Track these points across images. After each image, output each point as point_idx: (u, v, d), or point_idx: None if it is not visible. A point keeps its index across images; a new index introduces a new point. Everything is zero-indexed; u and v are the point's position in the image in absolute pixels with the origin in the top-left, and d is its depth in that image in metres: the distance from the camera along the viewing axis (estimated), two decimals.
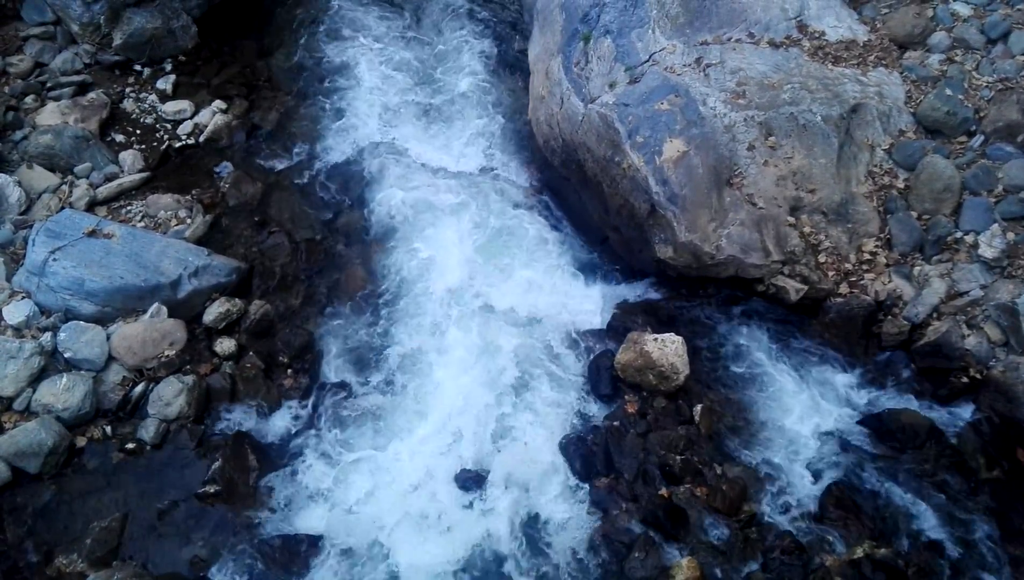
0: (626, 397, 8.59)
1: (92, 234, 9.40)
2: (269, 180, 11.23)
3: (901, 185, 9.00)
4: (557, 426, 8.50)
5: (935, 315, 8.35)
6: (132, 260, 9.26)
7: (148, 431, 8.37)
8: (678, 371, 8.41)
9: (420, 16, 14.08)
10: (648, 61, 9.87)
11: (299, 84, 12.74)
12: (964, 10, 9.73)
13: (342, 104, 12.36)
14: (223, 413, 8.67)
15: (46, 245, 9.13)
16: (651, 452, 8.06)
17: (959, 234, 8.53)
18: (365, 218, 10.85)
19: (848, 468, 7.84)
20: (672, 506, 7.66)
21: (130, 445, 8.30)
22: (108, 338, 8.85)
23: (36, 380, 8.41)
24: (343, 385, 9.01)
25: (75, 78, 11.78)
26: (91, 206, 10.29)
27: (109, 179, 10.70)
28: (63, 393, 8.31)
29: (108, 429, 8.44)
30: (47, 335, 8.68)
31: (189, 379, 8.68)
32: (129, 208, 10.42)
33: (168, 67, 12.54)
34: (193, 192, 10.81)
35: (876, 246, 8.82)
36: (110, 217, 10.12)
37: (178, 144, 11.58)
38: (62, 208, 9.99)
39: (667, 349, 8.45)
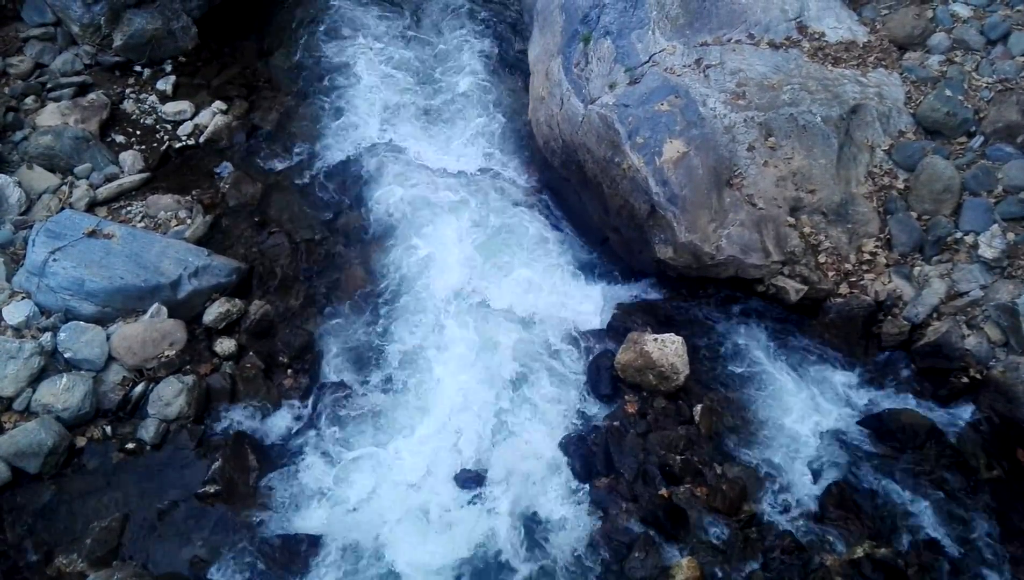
0: (626, 397, 8.59)
1: (92, 234, 9.41)
2: (269, 180, 11.24)
3: (901, 186, 9.01)
4: (557, 426, 8.50)
5: (935, 315, 8.36)
6: (132, 260, 9.26)
7: (148, 431, 8.37)
8: (678, 371, 8.41)
9: (420, 16, 14.10)
10: (648, 62, 9.88)
11: (299, 84, 12.76)
12: (964, 11, 9.74)
13: (342, 104, 12.37)
14: (223, 413, 8.67)
15: (46, 245, 9.13)
16: (651, 452, 8.06)
17: (959, 234, 8.54)
18: (365, 217, 10.86)
19: (848, 468, 7.84)
20: (672, 506, 7.66)
21: (130, 445, 8.30)
22: (108, 338, 8.85)
23: (36, 380, 8.41)
24: (343, 385, 9.01)
25: (75, 79, 11.80)
26: (91, 207, 10.31)
27: (109, 180, 10.71)
28: (63, 393, 8.31)
29: (108, 429, 8.43)
30: (47, 335, 8.68)
31: (189, 379, 8.68)
32: (129, 208, 10.43)
33: (168, 68, 12.56)
34: (193, 193, 10.82)
35: (876, 246, 8.82)
36: (110, 217, 10.12)
37: (178, 145, 11.60)
38: (62, 208, 9.99)
39: (667, 349, 8.45)
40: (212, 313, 9.33)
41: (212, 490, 7.97)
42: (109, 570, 7.42)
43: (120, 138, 11.45)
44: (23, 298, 9.04)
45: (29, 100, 11.36)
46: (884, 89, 9.45)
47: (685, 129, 9.08)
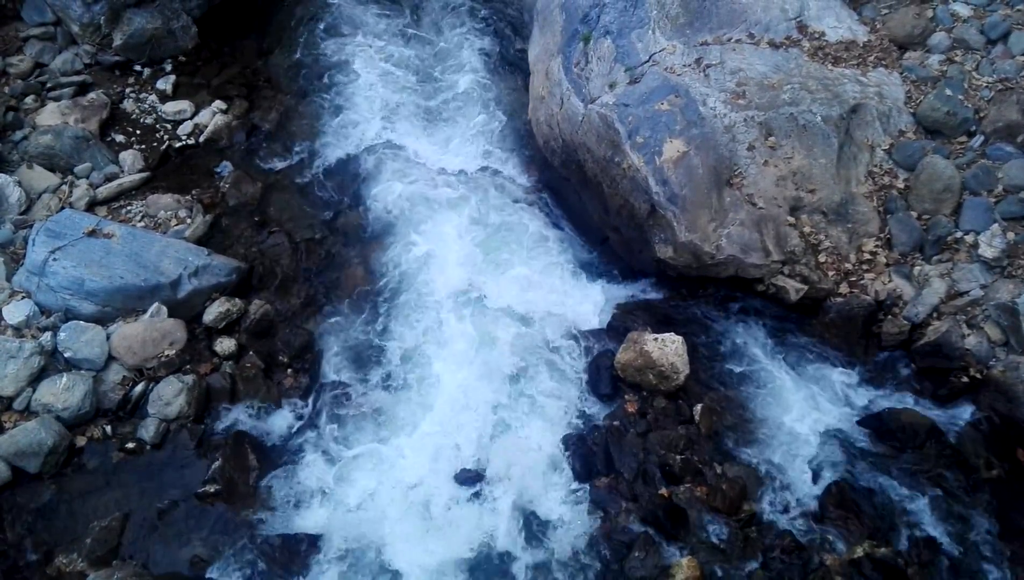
0: (626, 397, 8.59)
1: (92, 234, 9.41)
2: (269, 180, 11.24)
3: (901, 185, 9.00)
4: (557, 425, 8.50)
5: (935, 315, 8.36)
6: (132, 260, 9.26)
7: (148, 431, 8.37)
8: (678, 371, 8.41)
9: (419, 14, 14.09)
10: (648, 61, 9.88)
11: (299, 83, 12.75)
12: (964, 11, 9.74)
13: (342, 103, 12.36)
14: (223, 413, 8.67)
15: (46, 245, 9.13)
16: (651, 452, 8.06)
17: (959, 234, 8.54)
18: (365, 216, 10.86)
19: (848, 467, 7.84)
20: (672, 506, 7.66)
21: (130, 445, 8.30)
22: (108, 338, 8.85)
23: (36, 380, 8.41)
24: (343, 384, 9.01)
25: (75, 78, 11.81)
26: (91, 206, 10.31)
27: (109, 179, 10.71)
28: (63, 393, 8.31)
29: (108, 429, 8.44)
30: (47, 335, 8.68)
31: (189, 379, 8.68)
32: (129, 208, 10.43)
33: (168, 67, 12.55)
34: (193, 192, 10.82)
35: (876, 246, 8.82)
36: (110, 217, 10.12)
37: (178, 144, 11.60)
38: (62, 208, 9.99)
39: (667, 349, 8.45)
40: (212, 312, 9.33)
41: (212, 489, 7.97)
42: (109, 570, 7.42)
43: (120, 137, 11.46)
44: (23, 297, 9.04)
45: (29, 99, 11.37)
46: (884, 88, 9.44)
47: (685, 128, 9.08)
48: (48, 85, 11.62)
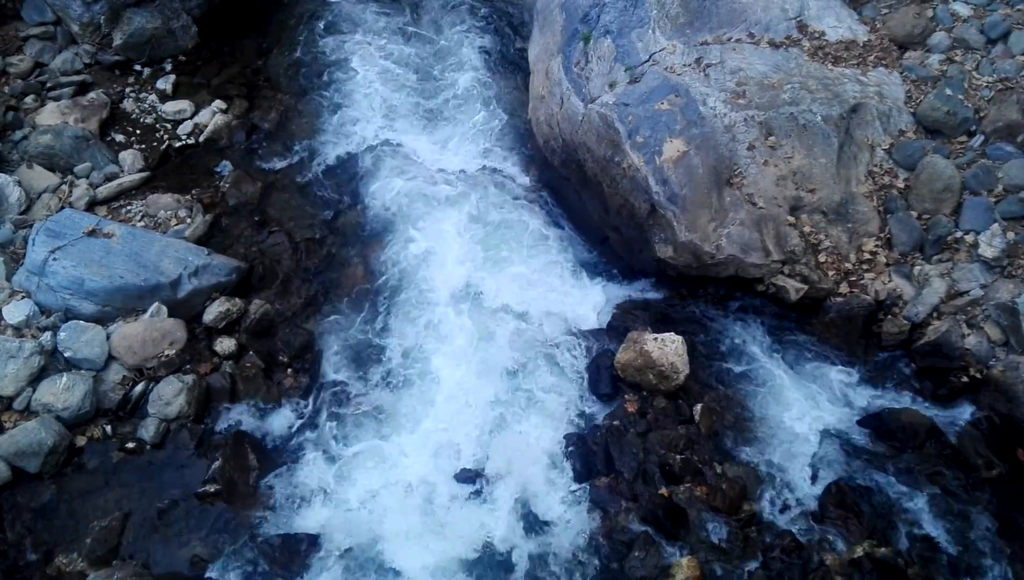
0: (626, 396, 8.59)
1: (92, 234, 9.40)
2: (269, 179, 11.24)
3: (901, 185, 9.00)
4: (557, 425, 8.51)
5: (935, 315, 8.36)
6: (132, 260, 9.26)
7: (148, 430, 8.37)
8: (678, 371, 8.41)
9: (419, 12, 14.09)
10: (648, 61, 9.88)
11: (299, 83, 12.75)
12: (964, 10, 9.73)
13: (342, 102, 12.36)
14: (223, 412, 8.68)
15: (46, 245, 9.13)
16: (651, 451, 8.06)
17: (959, 234, 8.54)
18: (364, 215, 10.86)
19: (848, 467, 7.84)
20: (672, 505, 7.66)
21: (130, 444, 8.31)
22: (108, 337, 8.85)
23: (36, 379, 8.41)
24: (343, 384, 9.02)
25: (75, 78, 11.80)
26: (91, 206, 10.30)
27: (109, 179, 10.71)
28: (63, 392, 8.31)
29: (108, 428, 8.44)
30: (47, 334, 8.68)
31: (189, 378, 8.68)
32: (129, 208, 10.43)
33: (168, 67, 12.55)
34: (193, 192, 10.81)
35: (876, 246, 8.82)
36: (110, 217, 10.12)
37: (178, 144, 11.59)
38: (62, 208, 9.99)
39: (667, 349, 8.45)
40: (212, 312, 9.33)
41: (212, 489, 7.97)
42: (109, 569, 7.43)
43: (120, 137, 11.45)
44: (23, 297, 9.04)
45: (29, 99, 11.36)
46: (884, 88, 9.44)
47: (685, 128, 9.07)
48: (48, 85, 11.61)
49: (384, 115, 12.18)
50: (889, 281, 8.64)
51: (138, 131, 11.62)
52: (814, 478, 7.85)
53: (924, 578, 7.04)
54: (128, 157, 11.04)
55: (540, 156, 11.25)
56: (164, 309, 9.16)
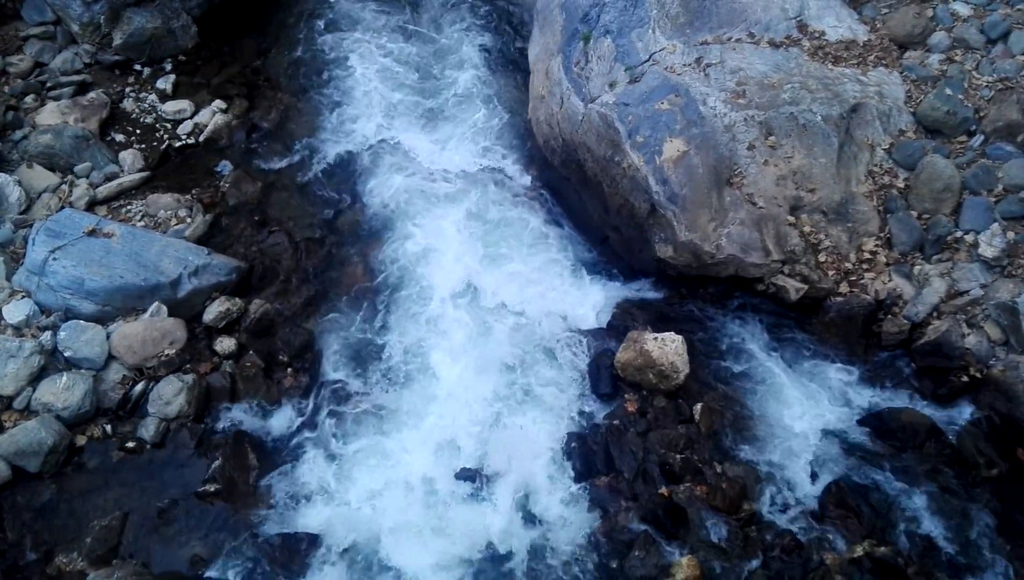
0: (626, 396, 8.59)
1: (92, 233, 9.41)
2: (269, 179, 11.24)
3: (901, 184, 9.00)
4: (557, 424, 8.51)
5: (935, 314, 8.36)
6: (132, 259, 9.26)
7: (148, 430, 8.37)
8: (678, 370, 8.41)
9: (419, 11, 14.10)
10: (648, 61, 9.88)
11: (299, 82, 12.76)
12: (964, 10, 9.74)
13: (342, 102, 12.37)
14: (223, 412, 8.67)
15: (46, 244, 9.13)
16: (651, 451, 8.06)
17: (959, 233, 8.54)
18: (364, 215, 10.87)
19: (848, 467, 7.84)
20: (672, 505, 7.66)
21: (130, 444, 8.31)
22: (108, 337, 8.85)
23: (36, 379, 8.41)
24: (343, 383, 9.02)
25: (75, 78, 11.80)
26: (91, 205, 10.30)
27: (109, 178, 10.71)
28: (63, 392, 8.31)
29: (108, 428, 8.44)
30: (47, 334, 8.68)
31: (189, 378, 8.68)
32: (129, 207, 10.43)
33: (168, 67, 12.55)
34: (193, 191, 10.82)
35: (876, 245, 8.82)
36: (110, 216, 10.12)
37: (178, 144, 11.59)
38: (62, 207, 9.99)
39: (667, 348, 8.45)
40: (212, 312, 9.33)
41: (212, 489, 7.98)
42: (109, 569, 7.43)
43: (120, 137, 11.45)
44: (23, 297, 9.04)
45: (29, 99, 11.36)
46: (884, 88, 9.45)
47: (685, 128, 9.08)
48: (48, 84, 11.62)
49: (384, 114, 12.19)
50: (889, 281, 8.64)
51: (138, 131, 11.62)
52: (814, 477, 7.84)
53: (924, 577, 7.04)
54: (128, 157, 11.04)
55: (540, 156, 11.26)
56: (164, 309, 9.16)
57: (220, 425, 8.58)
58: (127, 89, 12.07)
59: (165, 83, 12.24)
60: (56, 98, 11.44)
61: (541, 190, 11.24)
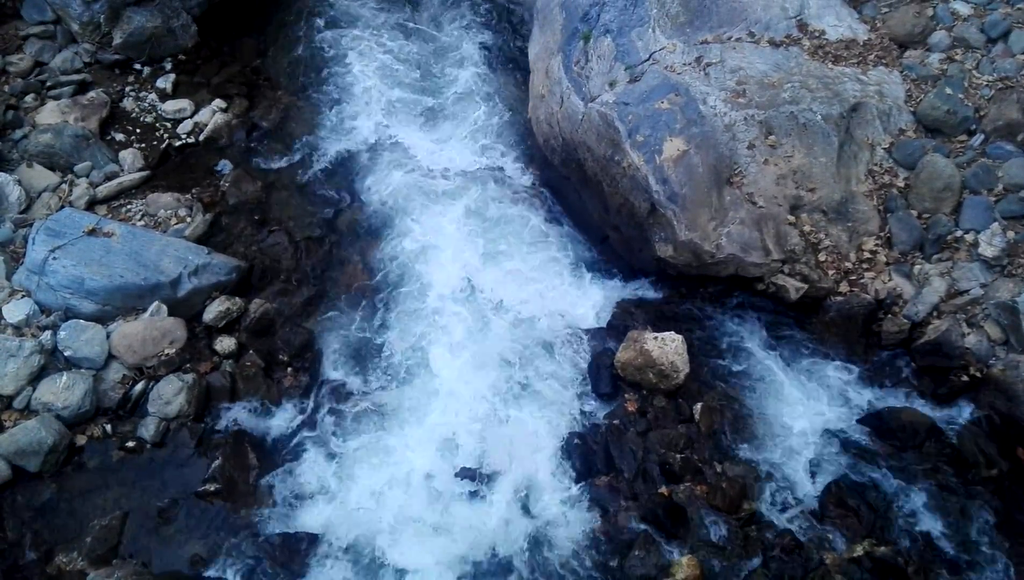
0: (626, 395, 8.59)
1: (92, 233, 9.41)
2: (269, 178, 11.24)
3: (901, 184, 9.00)
4: (557, 424, 8.51)
5: (935, 314, 8.36)
6: (132, 259, 9.26)
7: (148, 429, 8.37)
8: (678, 370, 8.41)
9: (419, 9, 14.09)
10: (648, 60, 9.87)
11: (299, 81, 12.76)
12: (964, 9, 9.73)
13: (342, 101, 12.37)
14: (223, 411, 8.68)
15: (46, 244, 9.13)
16: (651, 450, 8.06)
17: (959, 233, 8.54)
18: (364, 214, 10.87)
19: (848, 466, 7.84)
20: (672, 504, 7.67)
21: (130, 443, 8.31)
22: (108, 336, 8.85)
23: (36, 378, 8.41)
24: (343, 383, 9.02)
25: (75, 77, 11.80)
26: (91, 205, 10.30)
27: (109, 178, 10.71)
28: (63, 391, 8.31)
29: (108, 427, 8.44)
30: (47, 333, 8.68)
31: (189, 377, 8.69)
32: (129, 207, 10.43)
33: (168, 66, 12.55)
34: (193, 191, 10.82)
35: (876, 245, 8.82)
36: (110, 216, 10.12)
37: (178, 143, 11.59)
38: (62, 207, 9.99)
39: (667, 348, 8.45)
40: (212, 311, 9.33)
41: (212, 488, 7.98)
42: (109, 568, 7.43)
43: (120, 136, 11.45)
44: (23, 296, 9.04)
45: (29, 98, 11.36)
46: (884, 87, 9.44)
47: (685, 127, 9.07)
48: (48, 84, 11.61)
49: (384, 112, 12.19)
50: (889, 280, 8.64)
51: (138, 130, 11.62)
52: (814, 477, 7.84)
53: (924, 577, 7.04)
54: (128, 156, 11.04)
55: (540, 155, 11.25)
56: (164, 308, 9.16)
57: (220, 424, 8.58)
58: (127, 88, 12.07)
59: (165, 82, 12.24)
60: (56, 97, 11.44)
61: (541, 189, 11.24)
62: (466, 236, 10.47)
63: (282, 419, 8.72)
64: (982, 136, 8.82)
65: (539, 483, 8.06)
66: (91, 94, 11.62)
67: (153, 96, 12.06)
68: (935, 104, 9.07)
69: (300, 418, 8.75)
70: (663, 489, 7.79)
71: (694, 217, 8.79)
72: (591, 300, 9.75)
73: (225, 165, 11.33)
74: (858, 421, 8.19)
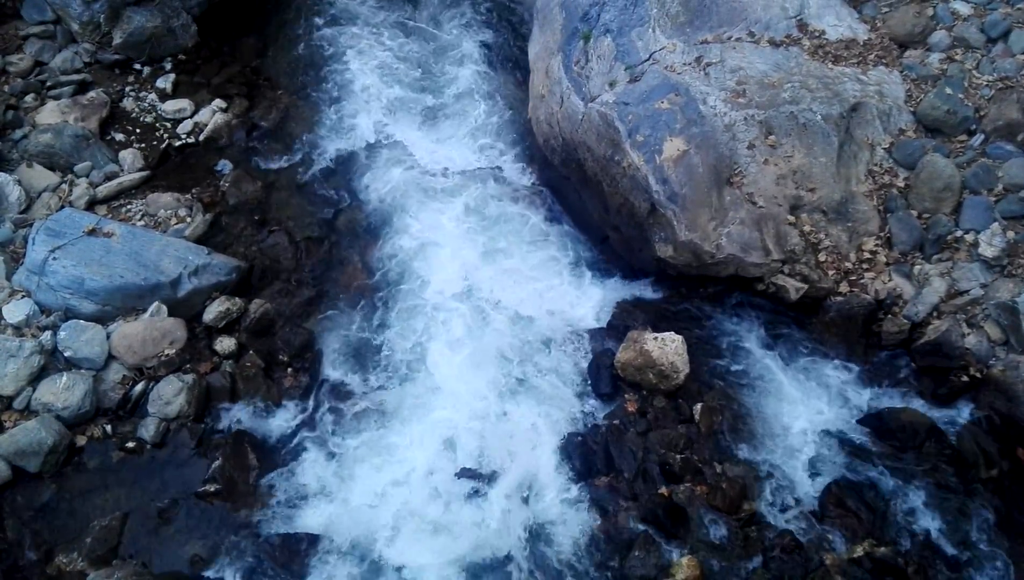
0: (626, 396, 8.59)
1: (92, 233, 9.41)
2: (269, 178, 11.24)
3: (901, 184, 8.99)
4: (557, 425, 8.50)
5: (935, 314, 8.36)
6: (132, 259, 9.26)
7: (148, 430, 8.38)
8: (678, 370, 8.41)
9: (419, 8, 14.08)
10: (648, 60, 9.87)
11: (299, 81, 12.75)
12: (964, 9, 9.72)
13: (342, 100, 12.37)
14: (223, 412, 8.68)
15: (46, 244, 9.13)
16: (651, 451, 8.06)
17: (959, 233, 8.53)
18: (364, 214, 10.87)
19: (848, 467, 7.84)
20: (672, 505, 7.67)
21: (130, 444, 8.31)
22: (108, 337, 8.85)
23: (36, 379, 8.42)
24: (342, 382, 9.03)
25: (75, 77, 11.79)
26: (91, 205, 10.30)
27: (109, 178, 10.70)
28: (63, 392, 8.31)
29: (108, 428, 8.44)
30: (47, 334, 8.68)
31: (189, 378, 8.69)
32: (129, 207, 10.43)
33: (168, 66, 12.54)
34: (193, 191, 10.82)
35: (876, 245, 8.82)
36: (110, 216, 10.12)
37: (178, 143, 11.59)
38: (62, 207, 9.99)
39: (667, 348, 8.45)
40: (212, 311, 9.33)
41: (212, 489, 7.98)
42: (109, 569, 7.43)
43: (120, 136, 11.45)
44: (23, 296, 9.04)
45: (29, 98, 11.36)
46: (884, 87, 9.43)
47: (685, 127, 9.07)
48: (48, 83, 11.61)
49: (384, 112, 12.20)
50: (889, 280, 8.64)
51: (138, 130, 11.62)
52: (814, 477, 7.85)
53: (924, 577, 7.04)
54: (128, 156, 11.04)
55: (540, 154, 11.25)
56: (164, 308, 9.16)
57: (220, 425, 8.59)
58: (127, 88, 12.07)
59: (165, 82, 12.24)
60: (56, 97, 11.43)
61: (541, 189, 11.23)
62: (465, 235, 10.46)
63: (282, 419, 8.73)
64: (982, 136, 8.82)
65: (539, 483, 8.06)
66: (91, 94, 11.62)
67: (153, 96, 12.06)
68: (935, 104, 9.06)
69: (300, 418, 8.75)
70: (663, 489, 7.79)
71: (694, 217, 8.79)
72: (591, 300, 9.75)
73: (225, 165, 11.33)
74: (858, 421, 8.19)
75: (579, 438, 8.32)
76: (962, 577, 7.08)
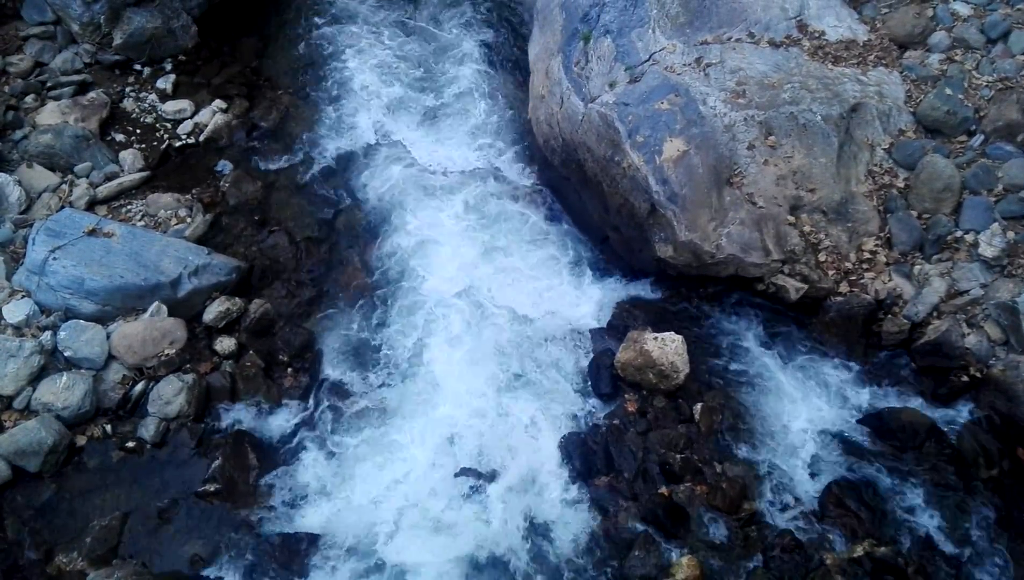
0: (626, 396, 8.60)
1: (92, 233, 9.41)
2: (269, 179, 11.24)
3: (901, 184, 9.00)
4: (557, 424, 8.51)
5: (935, 314, 8.36)
6: (132, 259, 9.26)
7: (148, 430, 8.37)
8: (678, 370, 8.41)
9: (419, 8, 14.09)
10: (648, 61, 9.88)
11: (299, 82, 12.76)
12: (964, 10, 9.73)
13: (343, 101, 12.37)
14: (223, 412, 8.68)
15: (46, 244, 9.13)
16: (651, 450, 8.06)
17: (959, 233, 8.54)
18: (364, 214, 10.87)
19: (848, 467, 7.85)
20: (672, 504, 7.67)
21: (130, 444, 8.31)
22: (108, 337, 8.85)
23: (36, 379, 8.41)
24: (342, 382, 9.03)
25: (75, 77, 11.80)
26: (91, 205, 10.30)
27: (109, 178, 10.70)
28: (63, 392, 8.31)
29: (108, 428, 8.44)
30: (47, 334, 8.68)
31: (189, 378, 8.69)
32: (129, 207, 10.43)
33: (168, 66, 12.54)
34: (193, 191, 10.82)
35: (876, 245, 8.82)
36: (110, 216, 10.12)
37: (178, 143, 11.59)
38: (62, 207, 9.99)
39: (667, 348, 8.45)
40: (212, 312, 9.33)
41: (212, 488, 7.98)
42: (109, 568, 7.43)
43: (120, 137, 11.45)
44: (23, 297, 9.04)
45: (29, 99, 11.36)
46: (884, 88, 9.44)
47: (685, 128, 9.07)
48: (48, 84, 11.61)
49: (385, 112, 12.20)
50: (889, 280, 8.64)
51: (138, 130, 11.62)
52: (814, 477, 7.85)
53: (924, 577, 7.05)
54: (128, 156, 11.04)
55: (540, 155, 11.25)
56: (164, 308, 9.16)
57: (220, 425, 8.59)
58: (127, 89, 12.07)
59: (165, 83, 12.24)
60: (56, 98, 11.44)
61: (541, 189, 11.24)
62: (465, 234, 10.47)
63: (282, 419, 8.73)
64: (982, 136, 8.83)
65: (540, 482, 8.07)
66: (91, 95, 11.63)
67: (153, 96, 12.06)
68: (935, 104, 9.07)
69: (300, 417, 8.76)
70: (663, 489, 7.80)
71: (694, 217, 8.79)
72: (591, 300, 9.76)
73: (225, 165, 11.34)
74: (858, 421, 8.19)
75: (579, 438, 8.33)
76: (962, 577, 7.08)
